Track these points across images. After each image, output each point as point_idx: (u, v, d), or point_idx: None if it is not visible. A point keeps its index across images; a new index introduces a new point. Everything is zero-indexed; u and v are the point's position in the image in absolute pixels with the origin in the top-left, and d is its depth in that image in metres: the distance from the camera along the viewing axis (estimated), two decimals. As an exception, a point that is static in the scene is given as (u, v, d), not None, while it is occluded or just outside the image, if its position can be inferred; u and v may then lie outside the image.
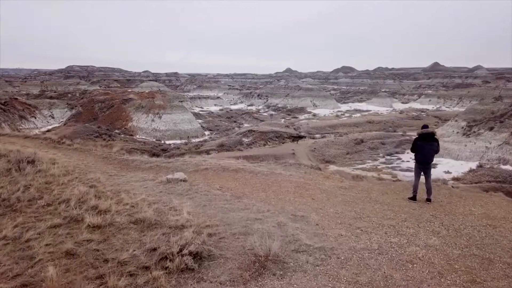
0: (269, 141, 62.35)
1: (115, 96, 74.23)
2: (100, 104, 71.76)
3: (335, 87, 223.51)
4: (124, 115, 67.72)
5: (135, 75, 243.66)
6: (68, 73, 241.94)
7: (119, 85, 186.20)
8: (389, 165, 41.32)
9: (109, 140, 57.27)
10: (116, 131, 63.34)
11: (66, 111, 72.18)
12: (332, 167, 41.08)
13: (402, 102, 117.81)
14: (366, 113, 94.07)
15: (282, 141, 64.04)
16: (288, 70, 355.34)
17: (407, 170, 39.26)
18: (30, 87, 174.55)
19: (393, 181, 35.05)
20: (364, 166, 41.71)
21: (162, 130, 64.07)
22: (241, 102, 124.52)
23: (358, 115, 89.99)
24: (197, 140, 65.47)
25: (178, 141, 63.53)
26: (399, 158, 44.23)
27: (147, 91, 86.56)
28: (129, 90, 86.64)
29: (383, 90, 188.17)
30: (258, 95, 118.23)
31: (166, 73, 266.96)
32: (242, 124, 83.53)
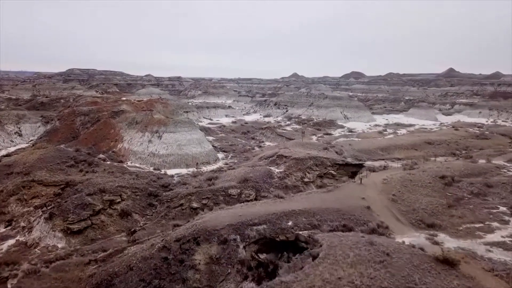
0: (308, 172, 45.79)
1: (103, 107, 57.87)
2: (83, 117, 55.40)
3: (350, 93, 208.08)
4: (113, 133, 51.30)
5: (137, 79, 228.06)
6: (68, 76, 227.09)
7: (118, 90, 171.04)
8: (539, 236, 24.50)
9: (87, 171, 40.81)
10: (101, 155, 46.92)
11: (39, 126, 55.87)
12: (446, 240, 24.41)
13: (443, 113, 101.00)
14: (412, 128, 77.43)
15: (324, 170, 47.51)
16: (295, 75, 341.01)
17: None
18: (21, 91, 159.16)
19: None
20: (496, 237, 24.92)
21: (163, 155, 47.56)
22: (255, 112, 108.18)
23: (404, 131, 73.33)
24: (209, 168, 48.91)
25: (184, 170, 47.03)
26: (542, 219, 27.34)
27: (145, 99, 70.35)
28: (123, 99, 70.32)
29: (406, 97, 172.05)
30: (275, 104, 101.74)
31: (169, 77, 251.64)
32: (263, 142, 67.04)
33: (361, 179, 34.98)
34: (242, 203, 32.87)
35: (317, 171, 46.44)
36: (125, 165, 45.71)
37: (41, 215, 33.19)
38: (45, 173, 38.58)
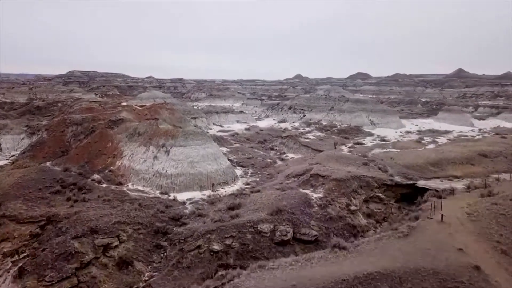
0: (354, 197, 36.76)
1: (99, 114, 49.06)
2: (75, 127, 46.60)
3: (360, 95, 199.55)
4: (110, 147, 42.46)
5: (138, 81, 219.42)
6: (68, 78, 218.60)
7: (118, 93, 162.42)
8: None
9: (76, 200, 31.93)
10: (95, 176, 38.04)
11: (23, 139, 47.13)
12: None
13: (475, 117, 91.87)
14: (450, 135, 68.44)
15: (370, 193, 38.48)
16: (298, 76, 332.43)
17: None
18: (16, 94, 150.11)
19: None
20: None
21: (171, 175, 38.65)
22: (267, 116, 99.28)
23: (443, 139, 64.38)
24: (228, 189, 39.95)
25: (198, 194, 38.08)
26: None
27: (148, 105, 61.57)
28: (123, 104, 61.54)
29: (422, 99, 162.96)
30: (290, 108, 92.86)
31: (171, 79, 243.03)
32: (285, 153, 58.06)
33: (442, 215, 26.05)
34: (284, 254, 24.03)
35: (362, 195, 37.44)
36: (125, 189, 36.81)
37: (10, 268, 24.39)
38: (21, 204, 29.74)
